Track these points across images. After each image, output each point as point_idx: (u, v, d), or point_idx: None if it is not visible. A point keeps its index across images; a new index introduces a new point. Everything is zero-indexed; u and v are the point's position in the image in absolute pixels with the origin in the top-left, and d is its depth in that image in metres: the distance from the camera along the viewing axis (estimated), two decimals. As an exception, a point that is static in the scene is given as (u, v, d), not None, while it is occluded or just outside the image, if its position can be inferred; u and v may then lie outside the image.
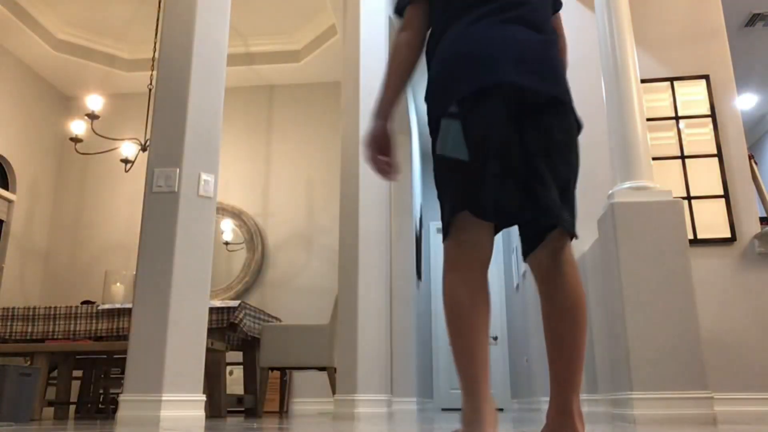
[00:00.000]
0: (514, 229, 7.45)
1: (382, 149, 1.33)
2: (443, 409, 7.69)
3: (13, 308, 4.46)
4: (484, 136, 1.17)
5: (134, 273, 3.02)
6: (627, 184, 3.01)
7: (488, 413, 1.08)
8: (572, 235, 1.23)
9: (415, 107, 7.54)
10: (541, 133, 1.20)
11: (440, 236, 1.25)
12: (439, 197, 1.24)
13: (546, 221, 1.20)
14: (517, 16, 1.26)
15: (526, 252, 1.28)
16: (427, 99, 1.28)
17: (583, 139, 4.47)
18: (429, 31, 1.37)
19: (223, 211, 6.50)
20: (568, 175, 1.23)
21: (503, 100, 1.18)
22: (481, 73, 1.19)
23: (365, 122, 4.07)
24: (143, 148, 5.37)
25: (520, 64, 1.20)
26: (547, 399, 6.07)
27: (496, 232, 1.26)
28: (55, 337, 4.35)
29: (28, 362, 4.37)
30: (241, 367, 5.08)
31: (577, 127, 1.28)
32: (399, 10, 1.40)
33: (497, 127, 1.17)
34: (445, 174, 1.22)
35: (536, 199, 1.18)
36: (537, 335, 5.88)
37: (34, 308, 4.44)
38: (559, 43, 1.37)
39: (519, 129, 1.20)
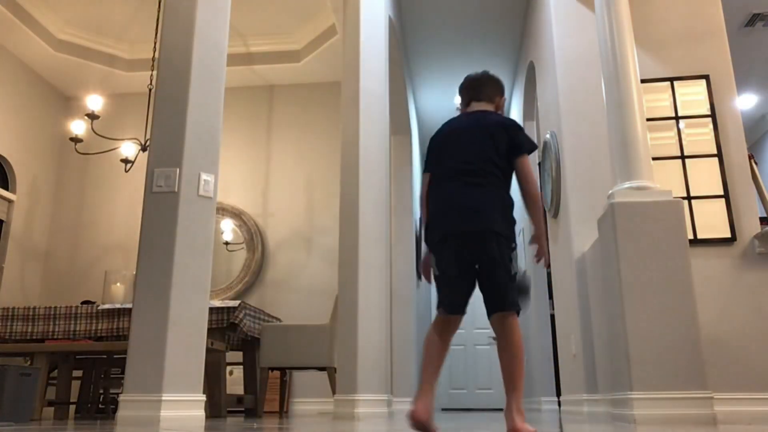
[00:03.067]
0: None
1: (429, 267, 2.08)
2: (443, 409, 7.69)
3: (13, 308, 4.46)
4: (442, 262, 1.97)
5: (134, 273, 3.01)
6: (627, 184, 3.01)
7: (425, 394, 1.91)
8: (517, 311, 1.92)
9: (415, 108, 7.54)
10: (479, 255, 1.91)
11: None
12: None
13: (496, 310, 1.93)
14: (460, 177, 1.96)
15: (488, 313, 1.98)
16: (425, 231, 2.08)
17: (583, 138, 4.46)
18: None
19: (223, 211, 6.50)
20: (506, 275, 1.90)
21: (452, 240, 1.93)
22: (439, 226, 1.98)
23: (365, 122, 4.07)
24: (143, 148, 5.37)
25: (456, 215, 1.93)
26: (548, 399, 6.11)
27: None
28: (55, 337, 4.35)
29: (28, 362, 4.37)
30: (241, 367, 5.08)
31: (507, 243, 1.91)
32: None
33: (448, 258, 1.95)
34: (436, 281, 2.03)
35: (487, 295, 1.93)
36: (537, 336, 5.87)
37: (34, 308, 4.44)
38: (522, 182, 1.98)
39: (470, 255, 1.92)
